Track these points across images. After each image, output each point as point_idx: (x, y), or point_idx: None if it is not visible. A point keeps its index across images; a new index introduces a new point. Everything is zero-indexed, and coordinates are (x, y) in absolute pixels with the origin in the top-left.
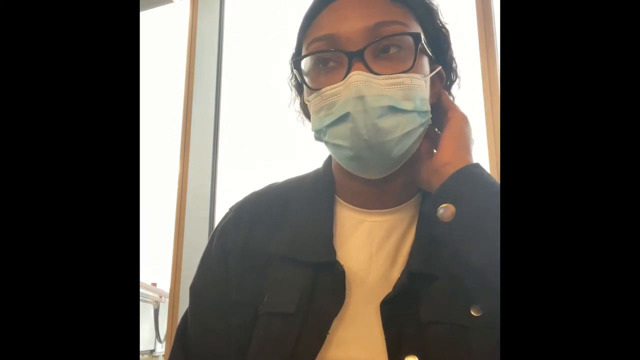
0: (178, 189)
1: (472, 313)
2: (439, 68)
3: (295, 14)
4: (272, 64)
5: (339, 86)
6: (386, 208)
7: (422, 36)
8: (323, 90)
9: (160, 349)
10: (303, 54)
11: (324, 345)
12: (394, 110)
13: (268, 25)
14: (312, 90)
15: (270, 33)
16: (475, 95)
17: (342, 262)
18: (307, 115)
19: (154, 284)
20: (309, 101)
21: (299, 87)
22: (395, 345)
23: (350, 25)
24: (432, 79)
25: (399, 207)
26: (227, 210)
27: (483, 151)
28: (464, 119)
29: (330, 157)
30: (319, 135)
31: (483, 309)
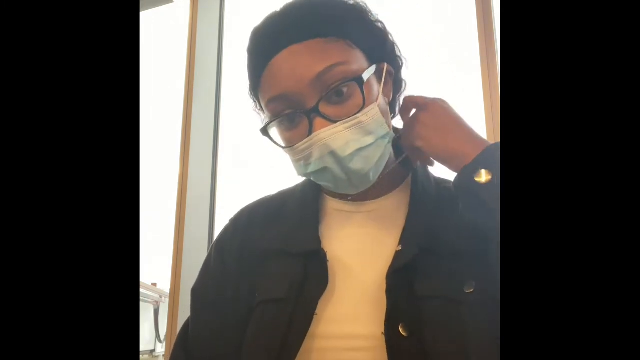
0: (178, 189)
1: (465, 290)
2: (385, 69)
3: None
4: None
5: (307, 142)
6: (378, 197)
7: (364, 71)
8: (296, 146)
9: (160, 349)
10: (265, 118)
11: (314, 324)
12: (360, 150)
13: None
14: (285, 147)
15: None
16: (475, 95)
17: (332, 251)
18: None
19: (154, 284)
20: (285, 152)
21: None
22: (392, 316)
23: (297, 81)
24: (382, 76)
25: (391, 193)
26: (226, 210)
27: None
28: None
29: None
30: (303, 176)
31: (482, 281)
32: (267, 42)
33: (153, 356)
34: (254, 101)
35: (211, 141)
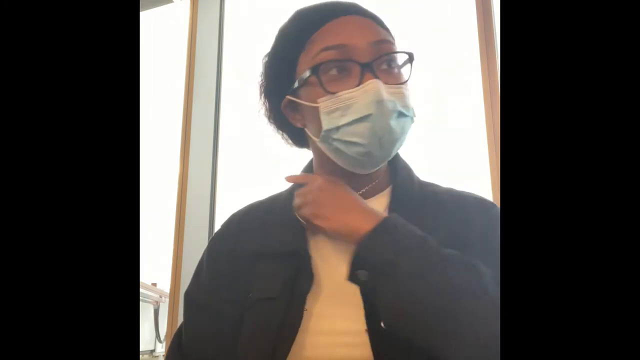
0: (178, 189)
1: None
2: None
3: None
4: None
5: (355, 91)
6: (365, 199)
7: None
8: (339, 93)
9: (160, 349)
10: (316, 60)
11: (306, 320)
12: (400, 114)
13: (268, 25)
14: (327, 93)
15: (270, 33)
16: (475, 96)
17: (318, 250)
18: (277, 120)
19: (154, 284)
20: (316, 103)
21: (271, 92)
22: (372, 312)
23: (357, 39)
24: None
25: (374, 197)
26: (226, 210)
27: (483, 152)
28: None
29: (308, 166)
30: (327, 134)
31: None
32: (326, 10)
33: (153, 356)
34: (265, 80)
35: (211, 141)
